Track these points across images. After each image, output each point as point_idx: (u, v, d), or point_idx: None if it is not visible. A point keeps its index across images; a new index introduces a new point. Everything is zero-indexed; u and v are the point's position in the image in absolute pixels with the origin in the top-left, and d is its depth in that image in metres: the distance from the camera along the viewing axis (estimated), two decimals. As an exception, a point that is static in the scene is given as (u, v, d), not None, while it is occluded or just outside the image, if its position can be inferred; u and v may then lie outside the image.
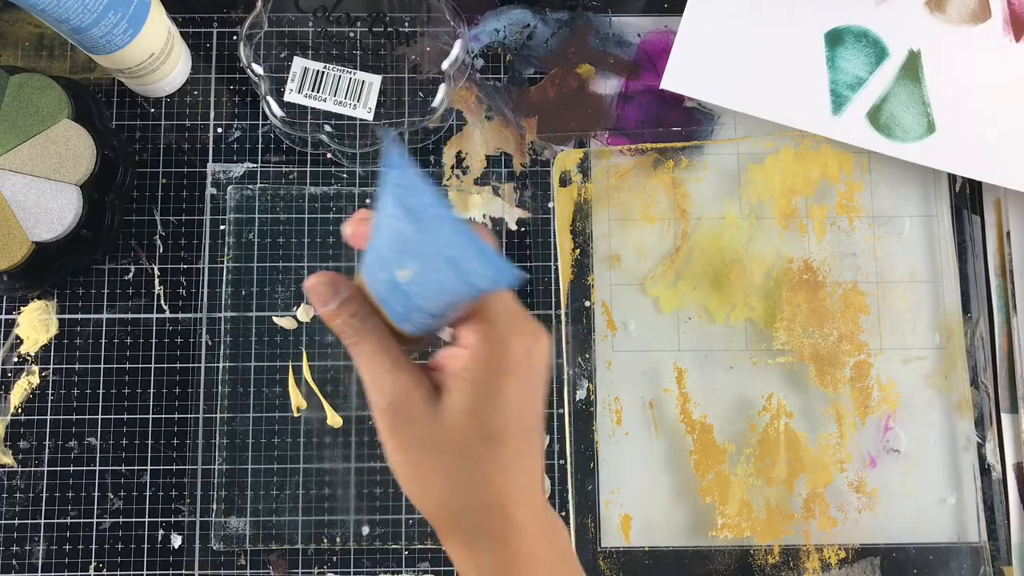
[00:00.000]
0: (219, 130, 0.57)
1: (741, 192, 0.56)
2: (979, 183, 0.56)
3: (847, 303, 0.55)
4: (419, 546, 0.52)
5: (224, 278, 0.54)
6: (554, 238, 0.55)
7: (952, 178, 0.56)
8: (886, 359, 0.54)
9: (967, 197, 0.56)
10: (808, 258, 0.55)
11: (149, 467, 0.53)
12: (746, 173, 0.56)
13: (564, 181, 0.56)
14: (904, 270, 0.55)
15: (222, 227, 0.55)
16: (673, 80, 0.56)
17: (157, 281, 0.55)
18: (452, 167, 0.56)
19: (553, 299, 0.55)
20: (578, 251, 0.55)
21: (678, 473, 0.53)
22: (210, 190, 0.55)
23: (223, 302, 0.54)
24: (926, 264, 0.55)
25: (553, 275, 0.55)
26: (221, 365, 0.54)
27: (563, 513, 0.53)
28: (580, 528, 0.52)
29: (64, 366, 0.54)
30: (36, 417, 0.53)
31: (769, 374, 0.54)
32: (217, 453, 0.53)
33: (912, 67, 0.55)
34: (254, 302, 0.54)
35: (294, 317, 0.54)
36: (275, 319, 0.54)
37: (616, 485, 0.53)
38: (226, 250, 0.54)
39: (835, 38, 0.56)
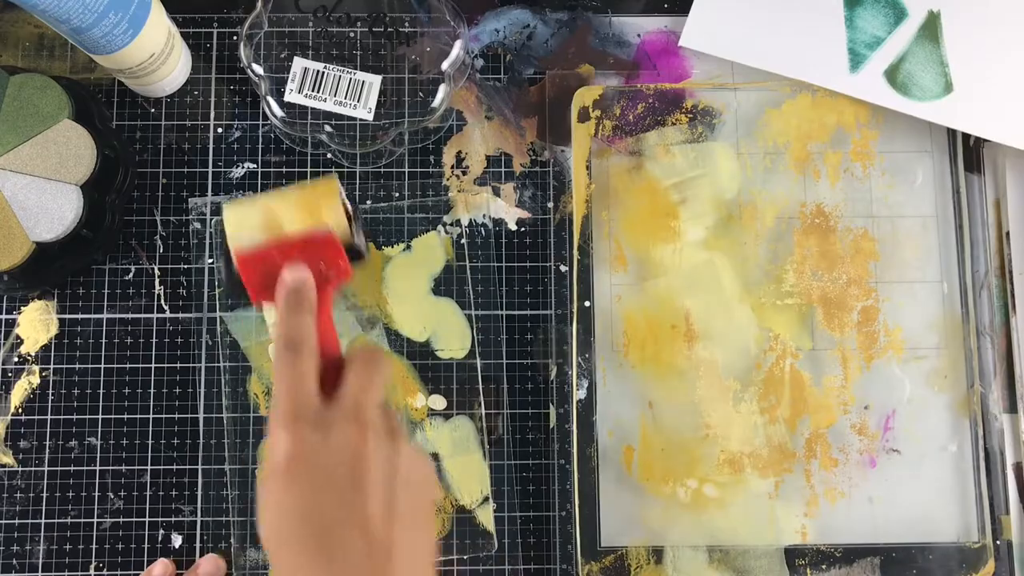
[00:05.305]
0: (219, 130, 0.57)
1: (757, 135, 0.56)
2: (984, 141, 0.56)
3: (857, 248, 0.55)
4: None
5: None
6: (554, 238, 0.55)
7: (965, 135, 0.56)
8: (893, 306, 0.55)
9: (977, 152, 0.56)
10: (821, 203, 0.56)
11: (149, 467, 0.53)
12: (762, 117, 0.57)
13: (583, 117, 0.56)
14: (915, 219, 0.56)
15: (210, 260, 0.55)
16: (692, 37, 0.56)
17: (157, 281, 0.55)
18: (452, 167, 0.56)
19: (553, 299, 0.55)
20: (578, 251, 0.55)
21: (681, 410, 0.53)
22: (194, 225, 0.55)
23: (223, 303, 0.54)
24: (937, 212, 0.56)
25: (553, 275, 0.55)
26: (221, 365, 0.54)
27: (565, 510, 0.53)
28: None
29: (64, 366, 0.54)
30: (36, 417, 0.53)
31: (777, 315, 0.54)
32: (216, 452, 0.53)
33: (931, 27, 0.56)
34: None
35: None
36: (271, 351, 0.54)
37: (615, 421, 0.53)
38: (217, 286, 0.54)
39: (855, -3, 0.56)
